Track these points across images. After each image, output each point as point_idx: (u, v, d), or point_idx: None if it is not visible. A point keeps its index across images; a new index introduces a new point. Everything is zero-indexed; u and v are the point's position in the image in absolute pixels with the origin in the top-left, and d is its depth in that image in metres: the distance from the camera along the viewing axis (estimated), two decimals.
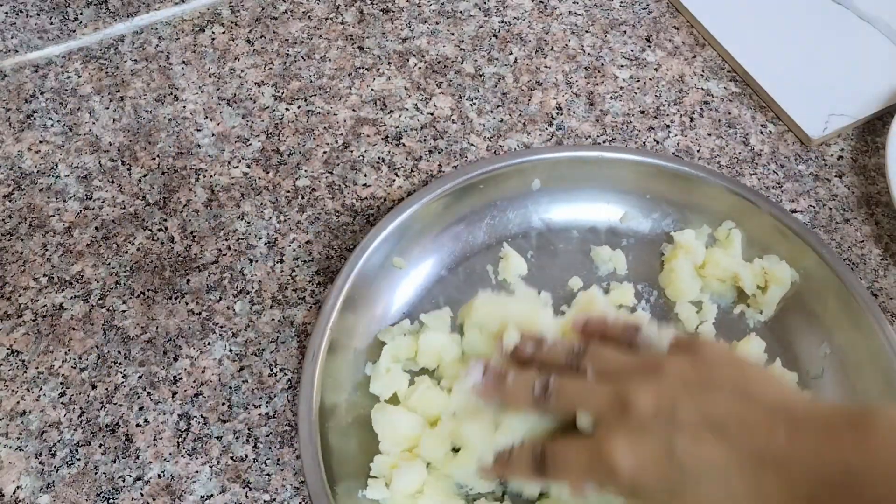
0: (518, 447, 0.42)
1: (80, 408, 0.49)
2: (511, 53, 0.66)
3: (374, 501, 0.45)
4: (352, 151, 0.60)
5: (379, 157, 0.60)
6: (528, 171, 0.55)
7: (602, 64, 0.65)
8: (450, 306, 0.52)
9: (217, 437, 0.49)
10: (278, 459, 0.48)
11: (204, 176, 0.58)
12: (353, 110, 0.62)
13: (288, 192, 0.58)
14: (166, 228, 0.56)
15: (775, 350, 0.51)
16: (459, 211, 0.54)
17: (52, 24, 0.66)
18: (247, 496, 0.47)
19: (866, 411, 0.35)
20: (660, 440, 0.37)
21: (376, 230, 0.52)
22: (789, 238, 0.53)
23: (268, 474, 0.48)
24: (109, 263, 0.55)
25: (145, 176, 0.58)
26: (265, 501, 0.47)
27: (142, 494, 0.47)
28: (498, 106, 0.63)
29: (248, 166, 0.59)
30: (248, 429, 0.49)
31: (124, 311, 0.53)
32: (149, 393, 0.50)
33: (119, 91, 0.62)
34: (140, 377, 0.51)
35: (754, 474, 0.35)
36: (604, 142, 0.61)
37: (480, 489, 0.46)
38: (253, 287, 0.54)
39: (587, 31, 0.67)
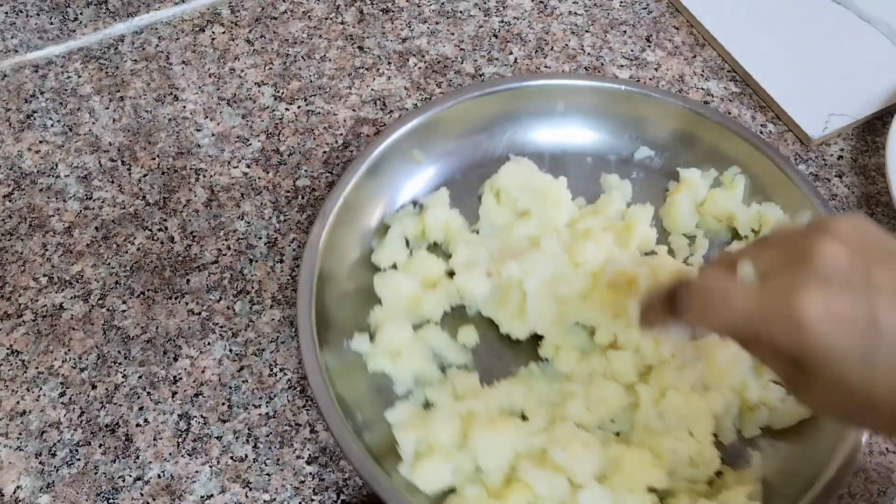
0: (654, 291, 0.40)
1: (80, 408, 0.49)
2: (511, 53, 0.66)
3: (358, 355, 0.49)
4: (352, 151, 0.60)
5: None
6: (553, 92, 0.57)
7: (602, 64, 0.65)
8: (457, 208, 0.55)
9: (217, 437, 0.49)
10: (278, 459, 0.48)
11: (204, 176, 0.58)
12: (353, 110, 0.62)
13: (288, 192, 0.58)
14: (166, 228, 0.56)
15: None
16: (484, 120, 0.57)
17: (51, 24, 0.66)
18: (247, 496, 0.47)
19: None
20: (859, 297, 0.32)
21: (403, 119, 0.54)
22: (790, 189, 0.54)
23: (268, 474, 0.48)
24: (109, 263, 0.55)
25: (145, 176, 0.58)
26: (265, 501, 0.47)
27: (142, 494, 0.47)
28: None
29: (248, 166, 0.59)
30: (248, 429, 0.49)
31: (124, 311, 0.53)
32: (149, 393, 0.50)
33: (119, 91, 0.62)
34: (140, 377, 0.51)
35: None
36: None
37: (454, 360, 0.50)
38: (253, 287, 0.54)
39: (587, 31, 0.67)
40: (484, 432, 0.45)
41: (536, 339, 0.50)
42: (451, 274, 0.52)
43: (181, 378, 0.51)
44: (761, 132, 0.62)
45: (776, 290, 0.33)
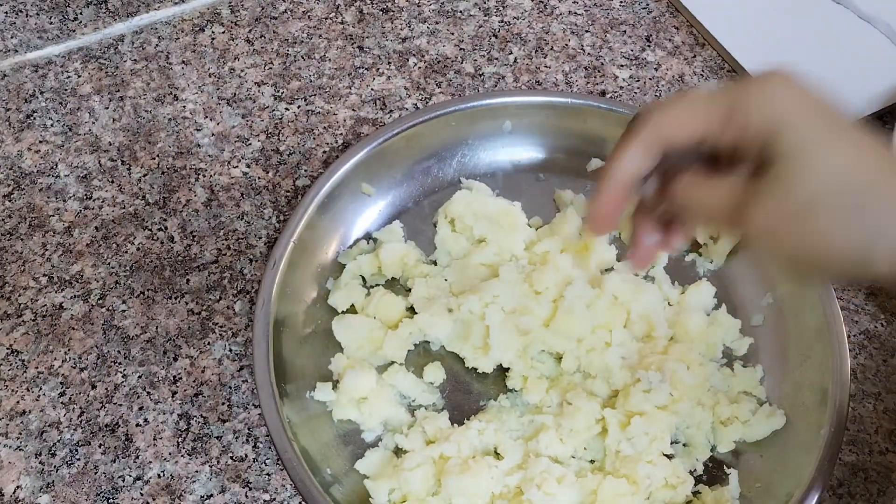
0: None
1: (80, 407, 0.49)
2: (511, 53, 0.66)
3: (322, 403, 0.48)
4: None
5: None
6: (499, 111, 0.56)
7: (602, 64, 0.65)
8: (413, 239, 0.54)
9: (217, 437, 0.49)
10: (278, 459, 0.48)
11: (204, 176, 0.58)
12: (353, 110, 0.62)
13: (287, 191, 0.58)
14: (166, 228, 0.56)
15: (722, 297, 0.53)
16: (432, 146, 0.56)
17: (51, 23, 0.66)
18: (246, 496, 0.47)
19: None
20: (821, 95, 0.33)
21: (348, 154, 0.53)
22: None
23: (267, 474, 0.48)
24: (109, 263, 0.55)
25: (145, 176, 0.58)
26: (265, 501, 0.47)
27: (142, 494, 0.47)
28: None
29: (248, 166, 0.59)
30: (248, 429, 0.49)
31: (124, 311, 0.53)
32: (149, 393, 0.50)
33: (119, 91, 0.62)
34: (140, 377, 0.51)
35: None
36: None
37: (422, 401, 0.49)
38: (252, 287, 0.54)
39: (587, 31, 0.67)
40: (458, 477, 0.44)
41: (504, 369, 0.50)
42: (411, 309, 0.51)
43: (181, 378, 0.51)
44: None
45: (745, 82, 0.34)
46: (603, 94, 0.63)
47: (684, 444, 0.48)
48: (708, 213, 0.35)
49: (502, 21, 0.68)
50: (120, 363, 0.51)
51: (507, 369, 0.50)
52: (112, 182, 0.58)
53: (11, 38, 0.65)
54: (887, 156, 0.32)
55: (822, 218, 0.31)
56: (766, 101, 0.33)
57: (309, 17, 0.67)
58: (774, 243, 0.32)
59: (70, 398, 0.50)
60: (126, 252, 0.55)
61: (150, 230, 0.56)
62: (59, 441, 0.48)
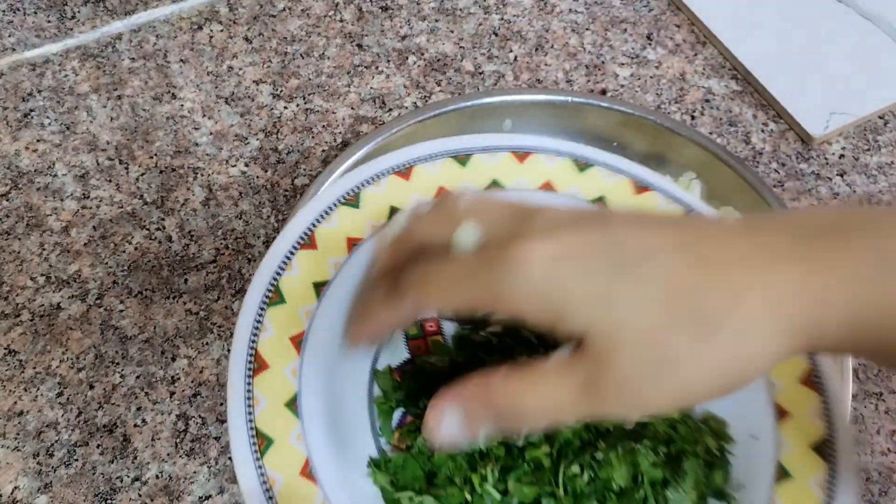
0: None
1: (78, 408, 0.49)
2: (511, 51, 0.65)
3: None
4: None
5: None
6: (499, 110, 0.56)
7: (603, 62, 0.65)
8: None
9: (215, 438, 0.49)
10: None
11: (202, 175, 0.58)
12: (352, 108, 0.62)
13: (286, 191, 0.58)
14: (164, 227, 0.56)
15: None
16: None
17: (49, 22, 0.65)
18: None
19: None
20: (589, 228, 0.27)
21: (348, 153, 0.53)
22: (747, 192, 0.54)
23: None
24: (107, 263, 0.54)
25: (143, 175, 0.58)
26: None
27: (140, 495, 0.47)
28: None
29: (247, 165, 0.59)
30: None
31: (122, 311, 0.53)
32: (147, 393, 0.50)
33: (116, 89, 0.62)
34: (138, 377, 0.50)
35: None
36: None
37: None
38: None
39: (587, 29, 0.67)
40: None
41: None
42: None
43: (179, 378, 0.50)
44: (762, 130, 0.62)
45: (491, 249, 0.28)
46: (603, 92, 0.63)
47: None
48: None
49: (502, 19, 0.67)
50: (118, 363, 0.51)
51: None
52: (110, 181, 0.58)
53: (9, 36, 0.65)
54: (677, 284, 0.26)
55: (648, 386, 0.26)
56: (518, 284, 0.27)
57: (308, 15, 0.67)
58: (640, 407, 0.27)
59: (68, 398, 0.50)
60: (124, 252, 0.55)
61: (148, 230, 0.56)
62: (56, 441, 0.48)
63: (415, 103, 0.62)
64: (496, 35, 0.66)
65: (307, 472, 0.33)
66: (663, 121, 0.56)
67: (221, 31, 0.65)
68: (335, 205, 0.39)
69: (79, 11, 0.66)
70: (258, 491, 0.32)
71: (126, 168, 0.58)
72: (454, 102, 0.55)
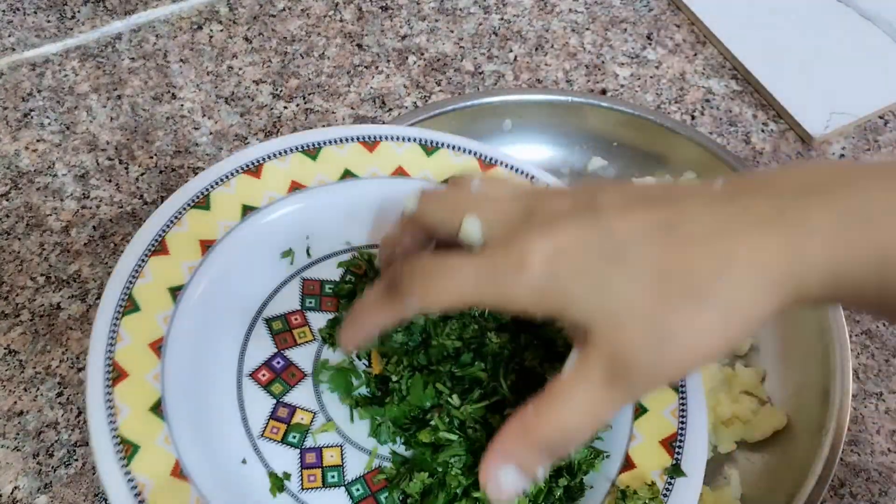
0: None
1: (78, 408, 0.49)
2: (511, 51, 0.65)
3: None
4: None
5: None
6: (499, 110, 0.56)
7: (603, 62, 0.65)
8: None
9: None
10: None
11: None
12: (352, 108, 0.62)
13: None
14: None
15: None
16: None
17: (49, 21, 0.65)
18: None
19: None
20: (581, 220, 0.29)
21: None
22: None
23: None
24: (107, 263, 0.54)
25: (143, 175, 0.58)
26: None
27: None
28: None
29: None
30: None
31: None
32: None
33: (116, 89, 0.62)
34: None
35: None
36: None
37: None
38: None
39: (587, 29, 0.67)
40: None
41: None
42: None
43: None
44: (762, 130, 0.62)
45: (494, 247, 0.30)
46: (603, 92, 0.63)
47: None
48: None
49: (502, 19, 0.67)
50: None
51: None
52: (110, 181, 0.58)
53: (9, 36, 0.65)
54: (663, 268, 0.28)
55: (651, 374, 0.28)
56: (523, 281, 0.28)
57: (307, 14, 0.67)
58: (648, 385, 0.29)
59: (68, 398, 0.50)
60: (124, 252, 0.55)
61: None
62: (56, 441, 0.48)
63: (415, 103, 0.62)
64: (496, 35, 0.66)
65: (179, 472, 0.33)
66: (663, 121, 0.56)
67: (221, 30, 0.65)
68: (184, 209, 0.39)
69: (79, 11, 0.66)
70: (128, 497, 0.31)
71: (126, 168, 0.58)
72: (454, 102, 0.55)
